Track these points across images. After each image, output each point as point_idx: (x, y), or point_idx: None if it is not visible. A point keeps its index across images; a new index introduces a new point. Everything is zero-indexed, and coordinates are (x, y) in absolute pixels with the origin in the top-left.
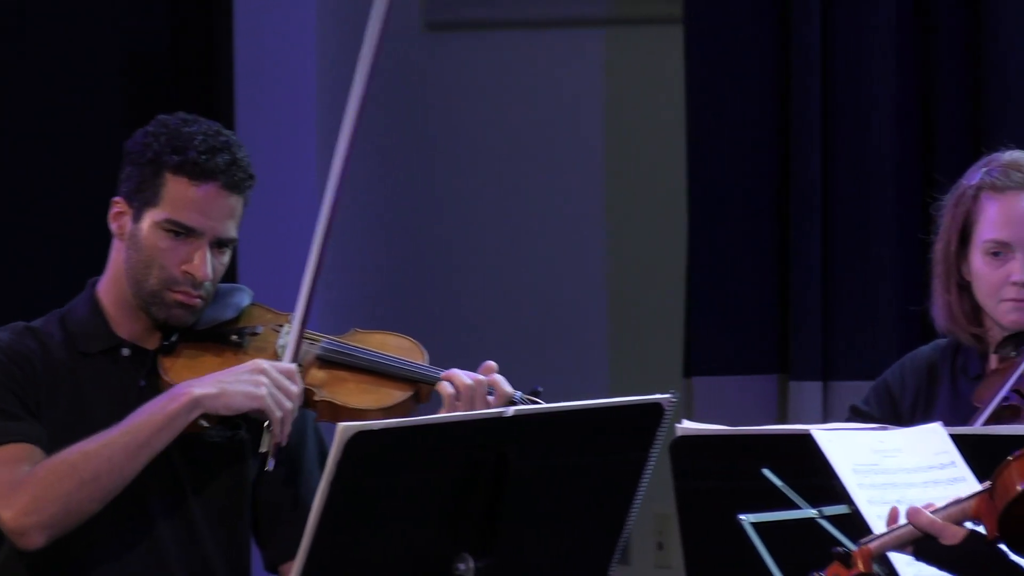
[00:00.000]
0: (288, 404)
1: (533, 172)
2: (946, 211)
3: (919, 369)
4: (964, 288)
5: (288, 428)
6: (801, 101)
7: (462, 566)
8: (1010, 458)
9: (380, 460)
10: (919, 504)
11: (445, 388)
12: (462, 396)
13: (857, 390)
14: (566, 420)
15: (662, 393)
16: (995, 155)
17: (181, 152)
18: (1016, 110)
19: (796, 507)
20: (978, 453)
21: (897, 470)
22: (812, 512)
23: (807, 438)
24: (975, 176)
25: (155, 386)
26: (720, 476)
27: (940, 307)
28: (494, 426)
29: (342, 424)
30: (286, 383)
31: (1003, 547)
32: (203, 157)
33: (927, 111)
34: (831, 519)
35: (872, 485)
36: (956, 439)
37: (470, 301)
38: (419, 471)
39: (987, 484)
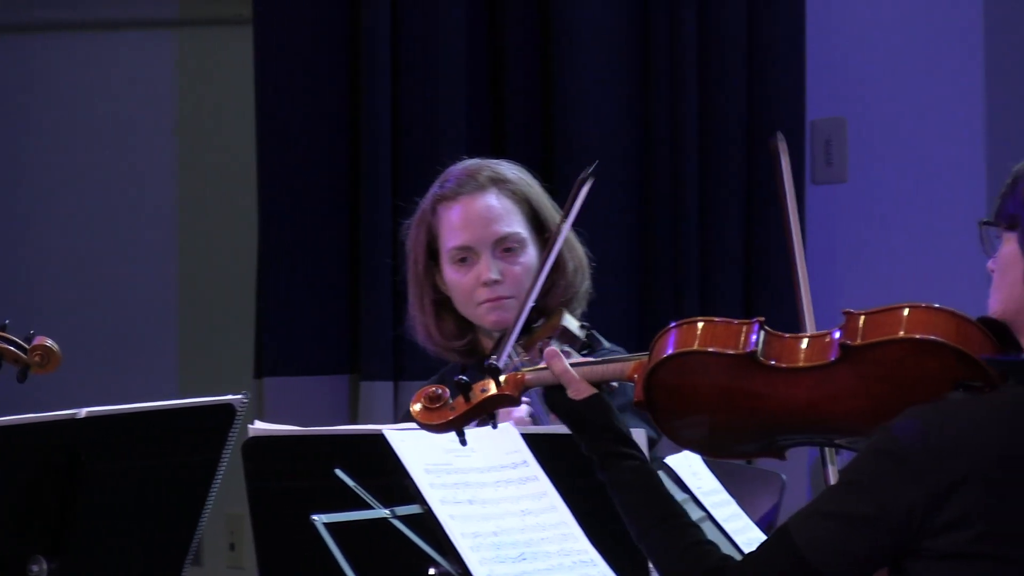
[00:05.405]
0: None
1: (105, 174)
2: (410, 233)
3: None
4: (442, 304)
5: None
6: (371, 98)
7: (35, 568)
8: (671, 325)
9: None
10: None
11: None
12: None
13: None
14: (138, 421)
15: (234, 394)
16: (449, 168)
17: None
18: (576, 121)
19: (369, 507)
20: (548, 452)
21: (469, 470)
22: (385, 512)
23: (379, 438)
24: (431, 193)
25: None
26: (293, 476)
27: (419, 330)
28: (66, 427)
29: None
30: None
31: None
32: None
33: (498, 107)
34: (404, 519)
35: (444, 485)
36: (528, 438)
37: (41, 300)
38: None
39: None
